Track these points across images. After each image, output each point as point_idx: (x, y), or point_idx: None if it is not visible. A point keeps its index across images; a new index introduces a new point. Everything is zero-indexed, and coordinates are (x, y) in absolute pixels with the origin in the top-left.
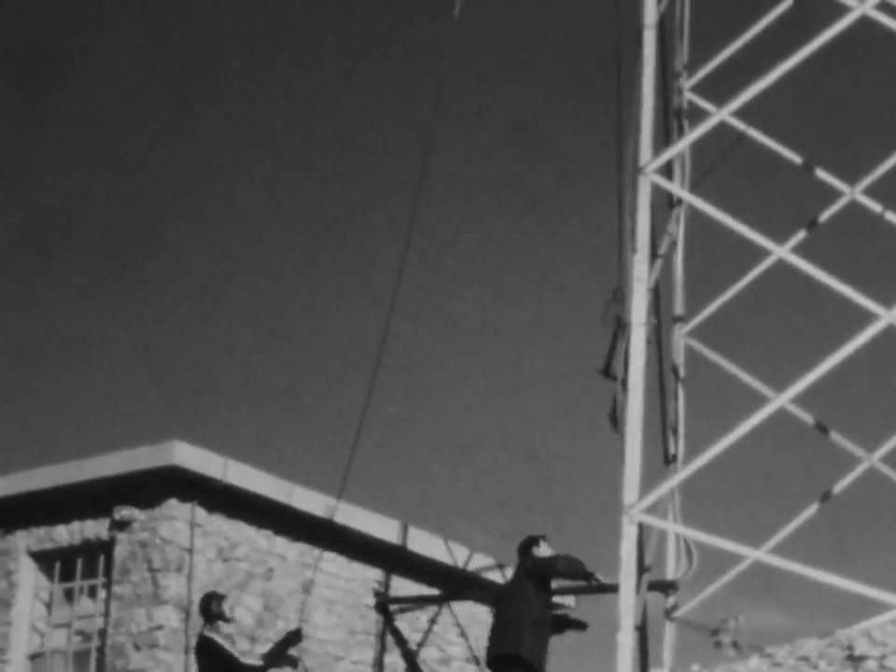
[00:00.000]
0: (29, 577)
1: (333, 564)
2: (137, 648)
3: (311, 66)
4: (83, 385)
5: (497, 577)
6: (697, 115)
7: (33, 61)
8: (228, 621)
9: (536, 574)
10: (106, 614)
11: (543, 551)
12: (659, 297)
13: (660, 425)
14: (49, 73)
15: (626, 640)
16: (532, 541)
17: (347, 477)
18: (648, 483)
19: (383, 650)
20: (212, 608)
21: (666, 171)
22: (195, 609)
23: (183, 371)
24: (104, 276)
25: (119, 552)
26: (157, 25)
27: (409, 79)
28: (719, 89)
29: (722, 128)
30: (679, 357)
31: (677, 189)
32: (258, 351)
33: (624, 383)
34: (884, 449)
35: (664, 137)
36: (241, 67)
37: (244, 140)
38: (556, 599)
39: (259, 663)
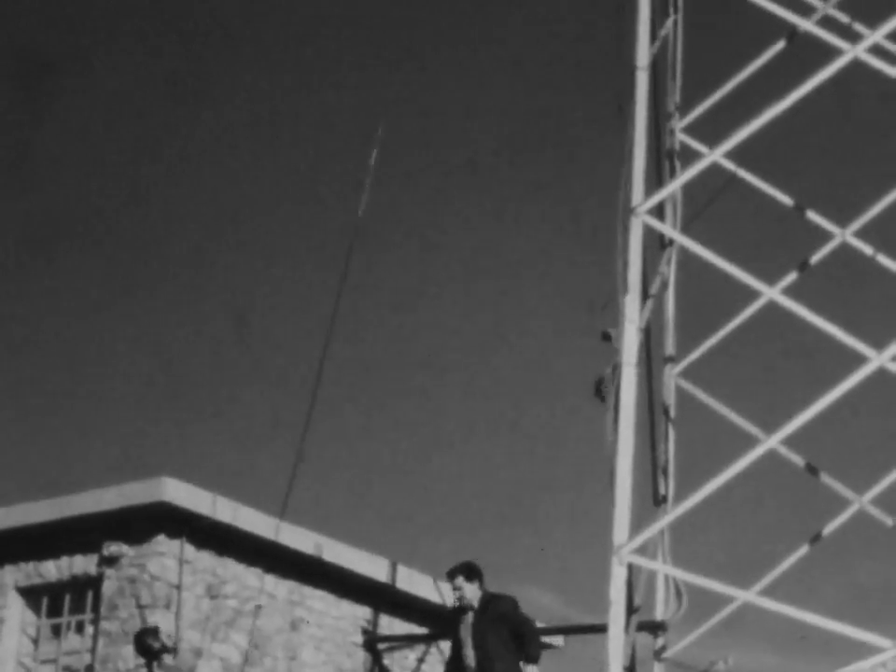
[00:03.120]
0: (16, 612)
1: (321, 602)
2: None
3: (313, 67)
4: (72, 419)
5: None
6: (689, 155)
7: (33, 62)
8: (171, 651)
9: None
10: (94, 650)
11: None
12: (650, 337)
13: (650, 465)
14: (50, 74)
15: None
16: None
17: (288, 498)
18: (637, 523)
19: None
20: (150, 643)
21: (658, 211)
22: (179, 645)
23: (173, 406)
24: (93, 305)
25: (107, 588)
26: (157, 25)
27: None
28: (711, 129)
29: (714, 169)
30: (670, 398)
31: (668, 229)
32: (248, 387)
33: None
34: (874, 491)
35: (656, 178)
36: (242, 67)
37: (245, 141)
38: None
39: None
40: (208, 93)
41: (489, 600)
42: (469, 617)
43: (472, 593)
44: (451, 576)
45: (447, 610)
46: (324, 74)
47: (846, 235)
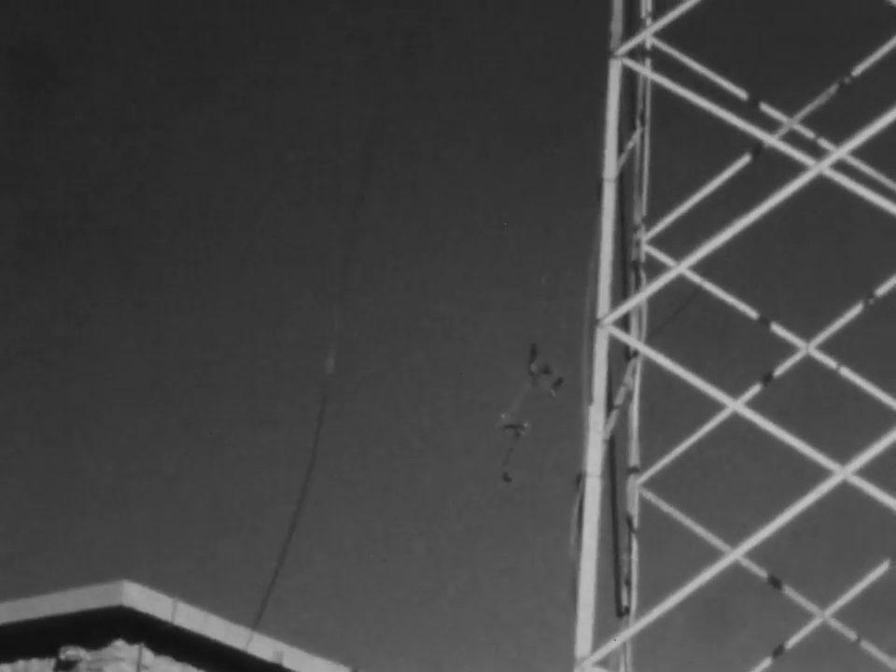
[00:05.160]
0: None
1: None
2: None
3: (312, 68)
4: (30, 521)
5: None
6: (655, 267)
7: (33, 61)
8: None
9: None
10: None
11: None
12: (614, 448)
13: (613, 576)
14: (50, 73)
15: None
16: None
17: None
18: (600, 634)
19: None
20: None
21: (624, 322)
22: None
23: (134, 509)
24: (63, 365)
25: None
26: (159, 25)
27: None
28: (677, 240)
29: (680, 280)
30: (633, 509)
31: (634, 341)
32: (209, 493)
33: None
34: (836, 605)
35: (621, 289)
36: (244, 67)
37: (248, 140)
38: None
39: None
40: (210, 93)
41: None
42: None
43: None
44: None
45: None
46: (322, 74)
47: (810, 348)
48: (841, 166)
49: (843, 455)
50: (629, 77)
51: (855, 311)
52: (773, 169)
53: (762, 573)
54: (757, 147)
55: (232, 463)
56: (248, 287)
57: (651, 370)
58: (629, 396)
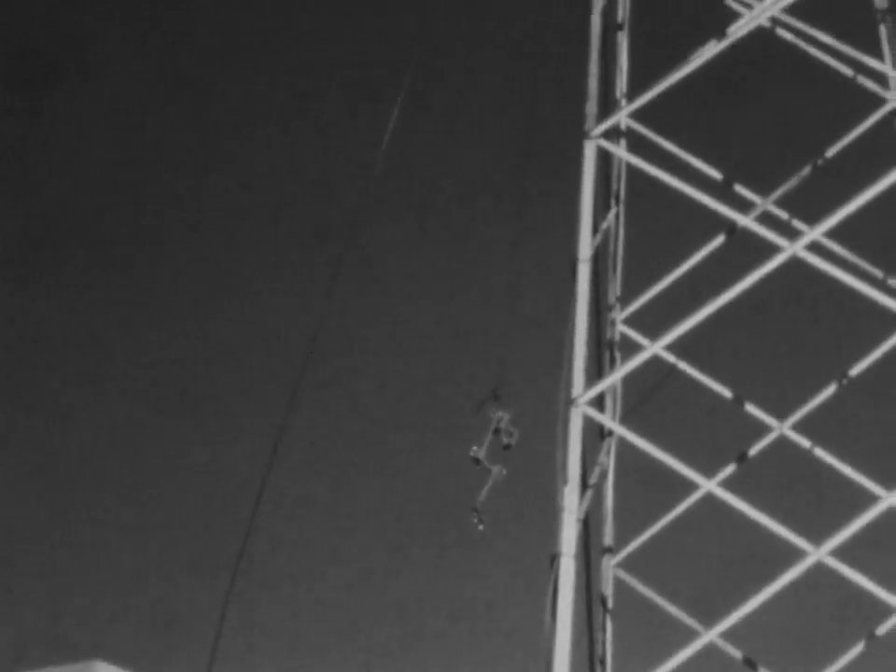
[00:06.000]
0: None
1: None
2: None
3: (314, 69)
4: (1, 599)
5: None
6: (630, 346)
7: (33, 61)
8: None
9: None
10: None
11: None
12: (588, 527)
13: (587, 656)
14: (50, 73)
15: None
16: None
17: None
18: None
19: None
20: None
21: (598, 401)
22: None
23: (106, 586)
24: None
25: None
26: (159, 25)
27: None
28: (651, 319)
29: (654, 360)
30: (608, 589)
31: (608, 420)
32: (182, 572)
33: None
34: None
35: (596, 368)
36: (245, 67)
37: (249, 141)
38: None
39: None
40: (211, 93)
41: None
42: None
43: None
44: None
45: None
46: (323, 76)
47: (784, 428)
48: (814, 247)
49: (817, 536)
50: (604, 158)
51: (829, 391)
52: (747, 249)
53: (737, 654)
54: (731, 228)
55: (207, 536)
56: (246, 289)
57: (626, 449)
58: (603, 475)
